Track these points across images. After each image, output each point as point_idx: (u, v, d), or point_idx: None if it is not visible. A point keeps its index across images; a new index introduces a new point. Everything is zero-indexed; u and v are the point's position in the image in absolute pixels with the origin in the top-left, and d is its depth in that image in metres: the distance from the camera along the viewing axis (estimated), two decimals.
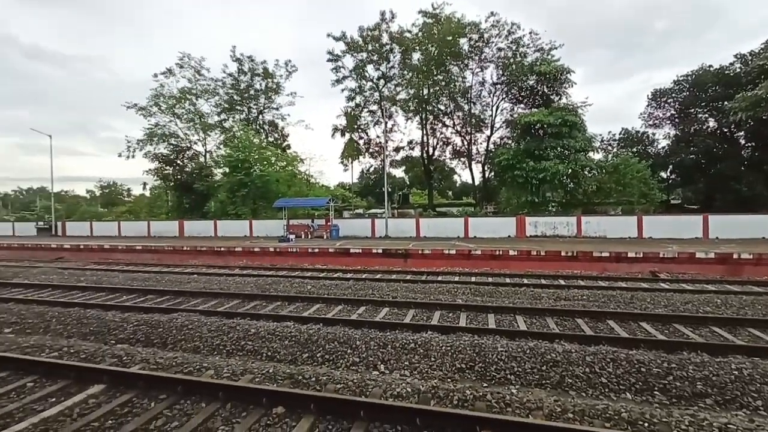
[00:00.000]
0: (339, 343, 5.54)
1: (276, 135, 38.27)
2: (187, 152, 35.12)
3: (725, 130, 27.98)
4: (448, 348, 5.23)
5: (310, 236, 20.62)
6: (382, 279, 10.70)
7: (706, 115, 29.17)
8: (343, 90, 35.42)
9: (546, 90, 26.41)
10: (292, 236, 19.30)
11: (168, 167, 33.98)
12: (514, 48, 29.65)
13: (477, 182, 36.02)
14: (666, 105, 31.36)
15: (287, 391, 3.85)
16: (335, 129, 37.15)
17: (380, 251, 14.42)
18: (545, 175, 21.70)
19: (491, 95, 32.20)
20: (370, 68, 34.27)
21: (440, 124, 35.86)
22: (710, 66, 27.98)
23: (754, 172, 25.45)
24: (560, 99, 26.11)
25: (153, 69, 37.66)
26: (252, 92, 35.98)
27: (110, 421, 3.58)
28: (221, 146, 34.31)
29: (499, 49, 30.34)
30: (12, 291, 9.78)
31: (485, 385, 4.46)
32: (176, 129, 34.05)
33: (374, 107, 35.84)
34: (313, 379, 4.35)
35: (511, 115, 30.75)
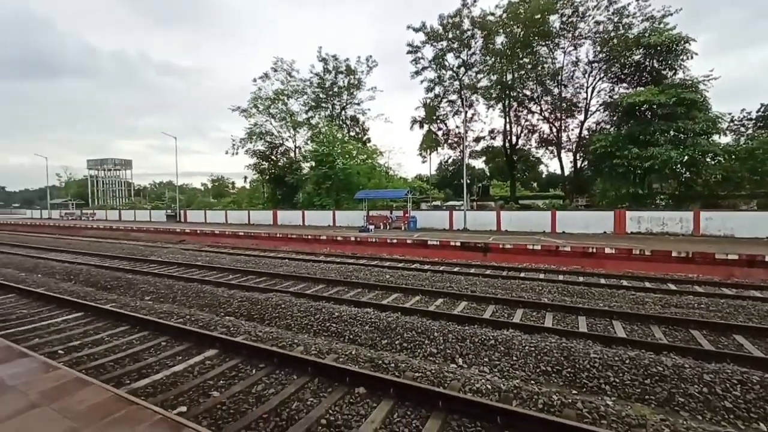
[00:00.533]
0: (417, 332, 5.62)
1: (357, 129, 39.76)
2: (280, 148, 38.54)
3: None
4: (532, 348, 4.96)
5: (388, 227, 21.13)
6: (460, 272, 10.51)
7: None
8: (422, 81, 35.14)
9: (656, 65, 22.76)
10: (371, 227, 20.00)
11: (264, 162, 37.76)
12: (615, 20, 25.97)
13: (567, 172, 32.85)
14: None
15: (369, 374, 4.05)
16: (414, 121, 37.16)
17: (458, 244, 14.14)
18: (653, 163, 18.83)
19: (586, 75, 28.87)
20: (450, 57, 33.40)
21: (525, 111, 33.40)
22: None
23: None
24: (675, 74, 22.28)
25: (253, 74, 42.04)
26: (336, 89, 37.84)
27: (222, 381, 4.18)
28: (308, 142, 36.89)
29: (597, 23, 26.87)
30: (150, 266, 11.92)
31: (574, 392, 4.13)
32: (271, 127, 37.58)
33: (454, 97, 34.90)
34: (393, 365, 4.50)
35: (611, 97, 27.23)
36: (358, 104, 38.73)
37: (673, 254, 11.01)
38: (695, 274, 10.19)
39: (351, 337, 5.74)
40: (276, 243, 18.40)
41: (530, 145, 35.83)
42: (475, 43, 31.93)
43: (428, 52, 33.61)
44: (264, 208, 33.60)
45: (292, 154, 38.42)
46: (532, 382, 4.40)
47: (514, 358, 4.86)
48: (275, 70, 36.33)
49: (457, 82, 34.04)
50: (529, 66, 29.57)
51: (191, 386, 4.03)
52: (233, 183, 74.39)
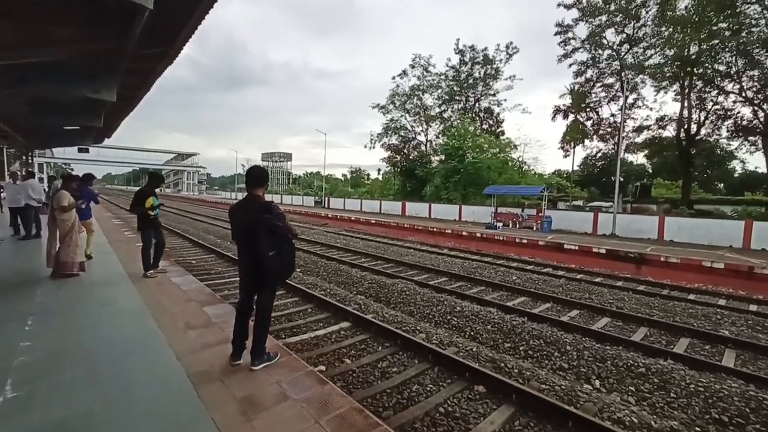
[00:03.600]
0: (545, 342, 5.22)
1: (490, 121, 38.12)
2: (412, 142, 40.08)
3: None
4: (701, 389, 4.04)
5: (518, 225, 19.78)
6: (603, 284, 9.16)
7: None
8: (570, 65, 31.29)
9: None
10: (499, 224, 19.06)
11: (397, 155, 39.92)
12: None
13: None
14: None
15: (491, 374, 3.99)
16: (556, 110, 33.52)
17: (603, 251, 12.27)
18: None
19: None
20: (609, 33, 28.69)
21: (715, 91, 26.20)
22: None
23: None
24: None
25: (393, 72, 44.75)
26: (471, 81, 36.96)
27: (353, 351, 4.74)
28: (440, 135, 37.23)
29: None
30: (300, 243, 14.11)
31: None
32: (405, 122, 39.34)
33: (611, 80, 29.99)
34: (516, 370, 4.32)
35: None
36: (494, 95, 37.05)
37: None
38: None
39: (472, 333, 5.70)
40: (403, 233, 19.36)
41: (718, 134, 28.14)
42: (647, 12, 26.57)
43: (581, 31, 29.62)
44: (394, 199, 35.61)
45: (423, 148, 39.47)
46: (697, 428, 3.59)
47: (672, 394, 4.05)
48: (413, 67, 37.69)
49: (616, 63, 29.09)
50: (728, 32, 22.98)
51: (329, 350, 4.70)
52: (368, 174, 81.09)
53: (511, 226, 19.81)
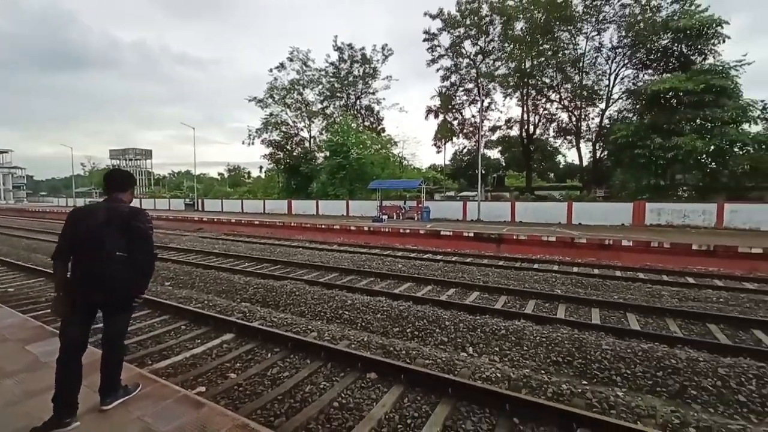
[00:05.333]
0: (428, 321, 5.70)
1: (372, 119, 39.63)
2: (295, 138, 38.85)
3: None
4: (543, 339, 4.97)
5: (401, 217, 21.17)
6: (472, 263, 10.51)
7: None
8: (438, 70, 34.75)
9: (685, 50, 21.82)
10: (384, 217, 20.07)
11: (279, 152, 38.16)
12: (643, 2, 24.92)
13: (585, 163, 32.08)
14: None
15: (380, 360, 4.15)
16: (429, 110, 36.85)
17: (471, 235, 14.08)
18: (676, 153, 18.21)
19: (609, 62, 27.96)
20: (467, 44, 32.83)
21: (544, 99, 32.66)
22: None
23: None
24: (704, 59, 21.33)
25: (270, 64, 42.30)
26: (351, 79, 37.69)
27: (239, 364, 4.36)
28: (323, 132, 37.02)
29: (624, 6, 25.85)
30: (169, 253, 12.32)
31: (584, 382, 4.14)
32: (286, 117, 37.83)
33: (470, 85, 34.38)
34: (404, 352, 4.59)
35: (634, 84, 26.33)
36: (373, 94, 38.58)
37: (694, 247, 10.71)
38: (716, 268, 9.92)
39: (363, 324, 5.85)
40: (290, 232, 18.70)
41: (548, 134, 35.19)
42: (494, 29, 31.27)
43: (445, 39, 33.16)
44: (279, 198, 34.06)
45: (307, 144, 38.68)
46: (543, 371, 4.42)
47: (525, 348, 4.89)
48: (291, 60, 36.44)
49: (473, 70, 33.47)
50: (549, 52, 28.78)
51: (210, 368, 4.21)
52: (249, 173, 75.58)
53: (395, 218, 21.08)
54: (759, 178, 20.03)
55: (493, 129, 36.57)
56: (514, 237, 13.32)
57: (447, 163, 45.87)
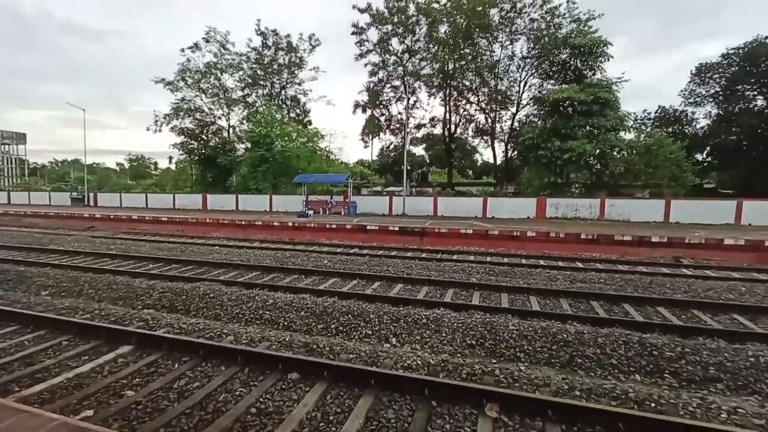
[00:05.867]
0: (353, 315, 5.70)
1: (298, 110, 38.25)
2: (212, 127, 35.59)
3: None
4: (460, 324, 5.31)
5: (328, 212, 20.89)
6: (397, 256, 10.81)
7: (755, 93, 27.06)
8: (366, 65, 34.79)
9: (579, 65, 25.04)
10: (310, 212, 19.60)
11: (193, 142, 34.62)
12: (548, 18, 27.96)
13: (499, 161, 35.17)
14: (711, 81, 29.25)
15: (302, 359, 4.03)
16: (357, 105, 36.81)
17: (397, 229, 14.48)
18: (571, 155, 20.91)
19: (519, 70, 30.87)
20: (394, 41, 33.37)
21: (464, 101, 34.86)
22: (766, 37, 25.63)
23: None
24: (594, 74, 24.74)
25: (181, 44, 38.02)
26: (275, 67, 35.73)
27: (138, 379, 3.86)
28: (244, 121, 34.64)
29: (532, 20, 28.69)
30: (49, 257, 10.45)
31: (494, 361, 4.53)
32: (201, 104, 34.41)
33: (397, 82, 35.12)
34: (327, 348, 4.52)
35: (540, 92, 29.50)
36: (300, 84, 37.17)
37: (582, 236, 12.44)
38: (598, 254, 11.65)
39: (285, 323, 5.64)
40: (206, 229, 17.23)
41: (467, 134, 37.68)
42: (420, 29, 32.25)
43: (373, 34, 33.27)
44: (192, 192, 31.15)
45: (225, 134, 35.82)
46: (459, 355, 4.73)
47: (443, 334, 5.17)
48: (207, 41, 33.20)
49: (400, 68, 34.24)
50: (470, 57, 30.72)
51: (100, 387, 3.66)
52: (156, 164, 67.66)
53: (322, 213, 20.73)
54: (630, 178, 24.00)
55: (419, 126, 38.04)
56: (436, 230, 14.04)
57: (374, 158, 46.56)
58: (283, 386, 3.73)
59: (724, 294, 7.00)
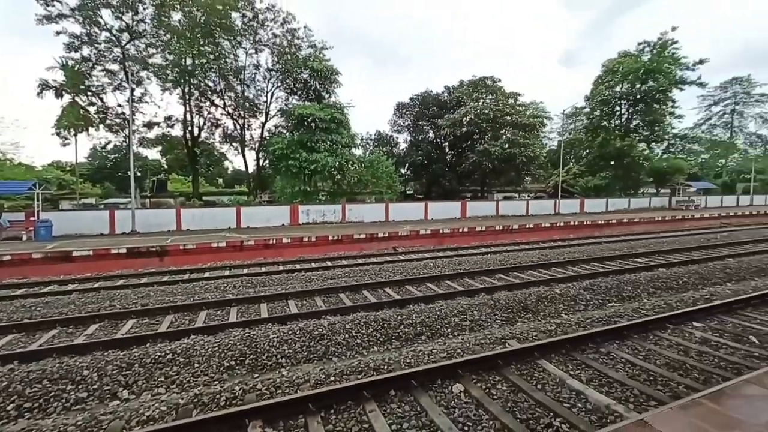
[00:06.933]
0: (51, 380, 4.04)
1: None
2: None
3: (438, 140, 38.61)
4: (215, 348, 4.79)
5: None
6: (126, 285, 8.61)
7: (428, 128, 39.20)
8: (59, 33, 25.72)
9: (318, 86, 28.25)
10: None
11: None
12: (289, 38, 29.83)
13: (251, 170, 34.61)
14: (405, 115, 39.99)
15: None
16: (45, 85, 26.50)
17: (124, 251, 11.52)
18: (317, 166, 23.33)
19: (266, 81, 31.44)
20: (106, 14, 26.33)
21: (208, 102, 32.01)
22: (431, 91, 37.80)
23: (452, 173, 36.44)
24: (330, 97, 28.56)
25: None
26: None
27: None
28: None
29: (275, 35, 29.82)
30: None
31: (256, 375, 4.36)
32: None
33: (114, 66, 27.94)
34: None
35: (286, 105, 31.13)
36: None
37: (330, 238, 14.11)
38: (343, 251, 13.56)
39: None
40: None
41: (214, 139, 34.83)
42: (144, 9, 26.93)
43: None
44: None
45: None
46: (217, 382, 4.25)
47: (195, 365, 4.51)
48: None
49: (118, 50, 27.44)
50: (212, 56, 28.44)
51: None
52: None
53: None
54: (362, 186, 29.40)
55: (150, 125, 31.73)
56: (181, 247, 12.19)
57: (82, 160, 35.20)
58: None
59: (422, 270, 9.66)
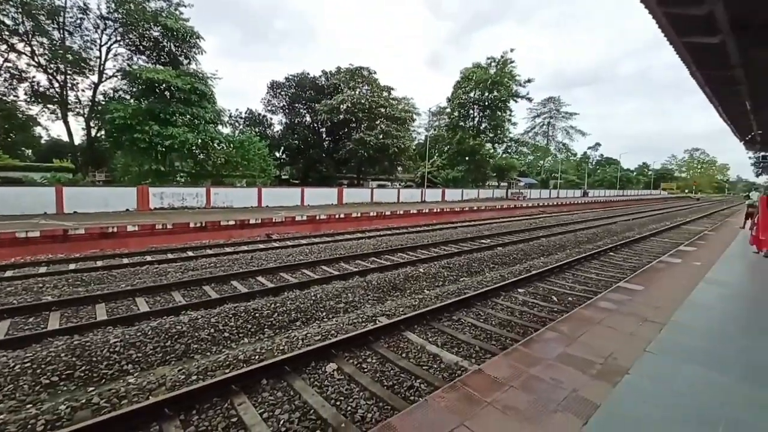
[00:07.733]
0: None
1: None
2: None
3: (315, 125, 37.91)
4: (27, 365, 3.79)
5: None
6: None
7: (305, 111, 38.04)
8: None
9: (174, 48, 24.13)
10: None
11: None
12: None
13: (79, 141, 27.63)
14: (280, 96, 37.81)
15: None
16: None
17: None
18: (173, 142, 20.12)
19: (99, 30, 25.18)
20: None
21: (5, 46, 23.88)
22: (309, 73, 36.58)
23: (330, 159, 36.43)
24: (189, 63, 24.77)
25: None
26: None
27: None
28: None
29: None
30: None
31: (92, 388, 3.61)
32: None
33: None
34: None
35: (129, 65, 25.68)
36: None
37: (191, 225, 12.50)
38: (208, 240, 12.22)
39: None
40: None
41: (16, 96, 26.38)
42: None
43: None
44: None
45: None
46: (29, 405, 3.36)
47: (4, 385, 3.47)
48: None
49: None
50: None
51: None
52: None
53: None
54: (231, 169, 26.76)
55: None
56: None
57: None
58: None
59: (297, 257, 9.48)
